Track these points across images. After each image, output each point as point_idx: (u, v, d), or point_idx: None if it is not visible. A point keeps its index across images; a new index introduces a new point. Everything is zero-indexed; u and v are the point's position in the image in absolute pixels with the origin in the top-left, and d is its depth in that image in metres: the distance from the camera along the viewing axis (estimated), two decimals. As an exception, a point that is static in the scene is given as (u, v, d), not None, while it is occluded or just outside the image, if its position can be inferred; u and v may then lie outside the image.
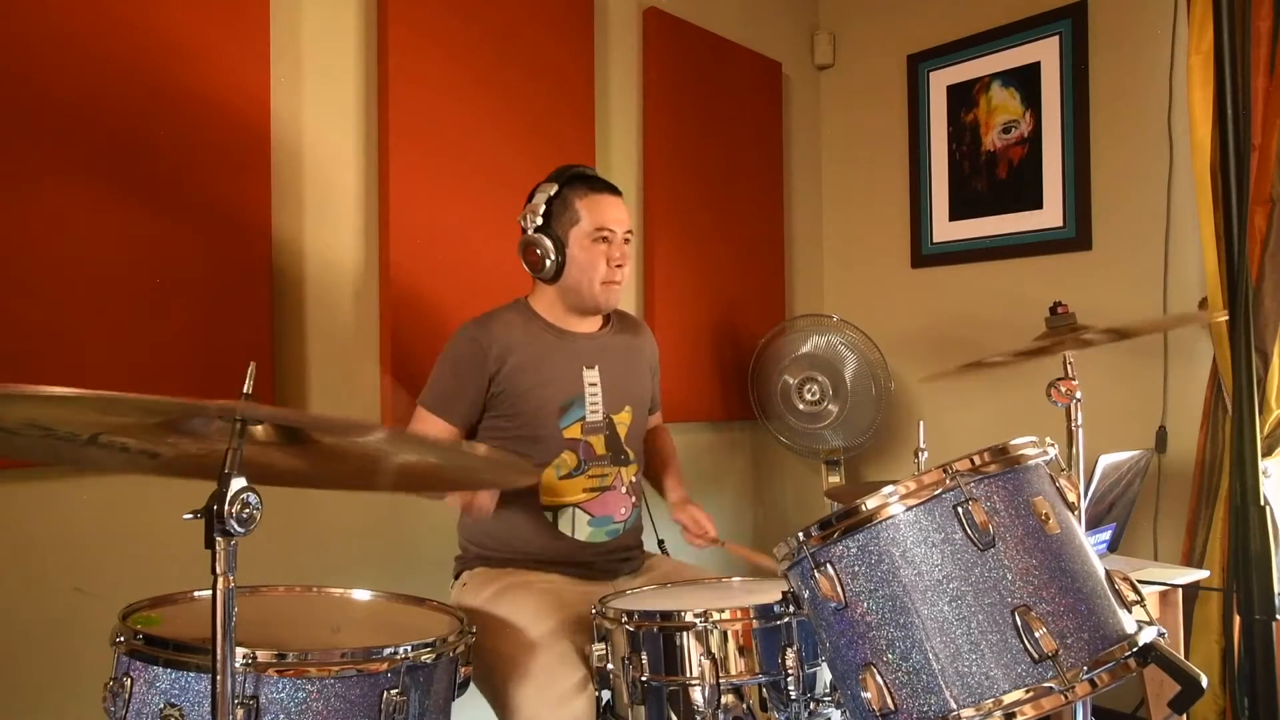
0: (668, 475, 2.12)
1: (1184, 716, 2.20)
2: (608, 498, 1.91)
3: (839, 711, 1.49)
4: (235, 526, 0.95)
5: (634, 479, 1.97)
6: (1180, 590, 2.36)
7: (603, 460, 1.90)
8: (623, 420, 1.95)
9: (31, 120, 1.75)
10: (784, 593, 1.40)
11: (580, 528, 1.88)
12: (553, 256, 1.84)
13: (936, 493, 1.22)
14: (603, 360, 1.94)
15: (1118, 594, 1.26)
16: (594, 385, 1.91)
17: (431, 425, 1.83)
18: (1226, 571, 2.48)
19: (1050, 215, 3.04)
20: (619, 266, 1.88)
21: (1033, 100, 3.08)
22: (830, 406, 3.06)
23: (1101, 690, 1.15)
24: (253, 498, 0.96)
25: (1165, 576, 2.33)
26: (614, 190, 1.91)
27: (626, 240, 1.90)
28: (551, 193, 1.86)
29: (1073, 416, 1.77)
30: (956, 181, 3.28)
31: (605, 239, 1.86)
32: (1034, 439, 1.33)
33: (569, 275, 1.87)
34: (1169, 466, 2.75)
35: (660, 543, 2.10)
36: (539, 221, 1.85)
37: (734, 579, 1.80)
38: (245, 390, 1.03)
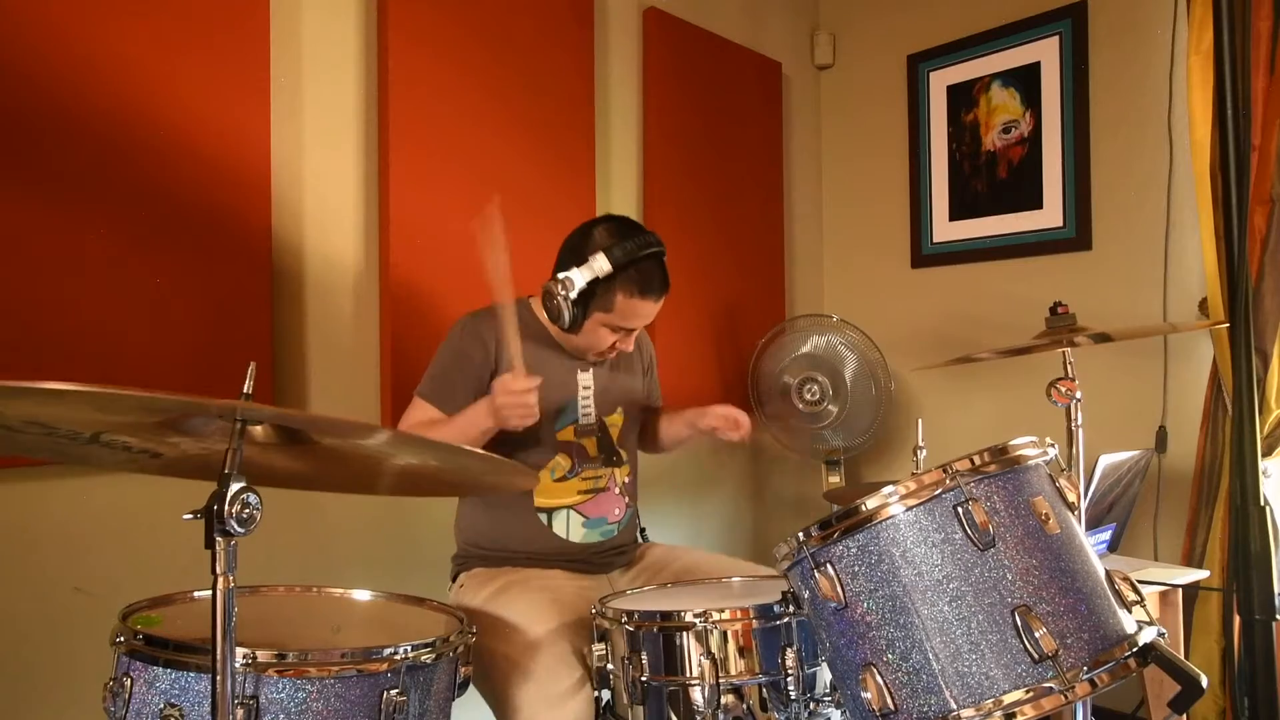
0: (664, 414, 2.11)
1: (1184, 716, 2.21)
2: (601, 499, 1.91)
3: (839, 711, 1.49)
4: (235, 527, 0.95)
5: (627, 480, 1.97)
6: (1180, 590, 2.36)
7: (595, 462, 1.91)
8: (614, 422, 1.95)
9: (33, 123, 1.75)
10: (784, 593, 1.40)
11: (574, 529, 1.88)
12: (566, 324, 1.79)
13: (936, 493, 1.22)
14: (598, 365, 1.94)
15: (1118, 594, 1.26)
16: (587, 389, 1.92)
17: (428, 415, 1.82)
18: (1226, 571, 2.48)
19: (1050, 215, 3.04)
20: (619, 348, 1.88)
21: (1033, 100, 3.08)
22: (830, 406, 3.06)
23: (1101, 690, 1.15)
24: (253, 498, 0.96)
25: (1165, 576, 2.33)
26: (662, 292, 1.82)
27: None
28: (601, 274, 1.74)
29: (1073, 416, 1.77)
30: (956, 181, 3.28)
31: (624, 331, 1.85)
32: (1034, 439, 1.33)
33: (573, 336, 1.85)
34: (1169, 466, 2.75)
35: (641, 531, 2.10)
36: (573, 296, 1.75)
37: (734, 579, 1.80)
38: (245, 390, 1.03)
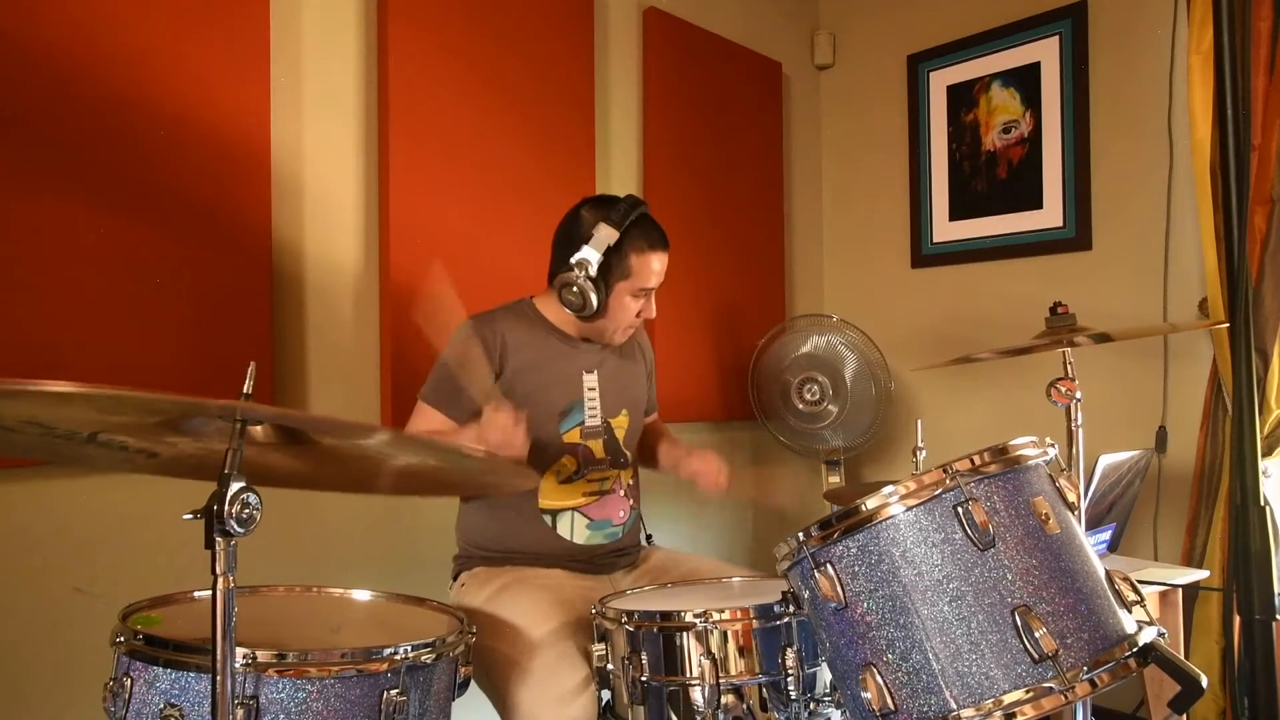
0: (663, 440, 2.11)
1: (1184, 716, 2.21)
2: (607, 501, 1.91)
3: (839, 711, 1.49)
4: (235, 527, 0.95)
5: (631, 482, 1.97)
6: (1180, 590, 2.36)
7: (601, 464, 1.90)
8: (620, 424, 1.95)
9: (35, 123, 1.75)
10: (784, 593, 1.40)
11: (579, 531, 1.88)
12: (595, 306, 1.80)
13: (936, 493, 1.22)
14: (602, 365, 1.94)
15: (1118, 594, 1.26)
16: (593, 390, 1.91)
17: (433, 420, 1.82)
18: (1226, 571, 2.48)
19: (1050, 215, 3.03)
20: (644, 315, 1.89)
21: (1033, 100, 3.08)
22: (830, 406, 3.06)
23: (1101, 690, 1.15)
24: (252, 498, 0.96)
25: (1165, 576, 2.33)
26: (666, 244, 1.87)
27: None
28: (611, 242, 1.77)
29: (1073, 416, 1.77)
30: (956, 181, 3.28)
31: (645, 294, 1.86)
32: (1034, 439, 1.33)
33: (599, 319, 1.86)
34: (1169, 466, 2.75)
35: (648, 537, 2.10)
36: (593, 272, 1.78)
37: (734, 579, 1.80)
38: (245, 390, 1.03)
